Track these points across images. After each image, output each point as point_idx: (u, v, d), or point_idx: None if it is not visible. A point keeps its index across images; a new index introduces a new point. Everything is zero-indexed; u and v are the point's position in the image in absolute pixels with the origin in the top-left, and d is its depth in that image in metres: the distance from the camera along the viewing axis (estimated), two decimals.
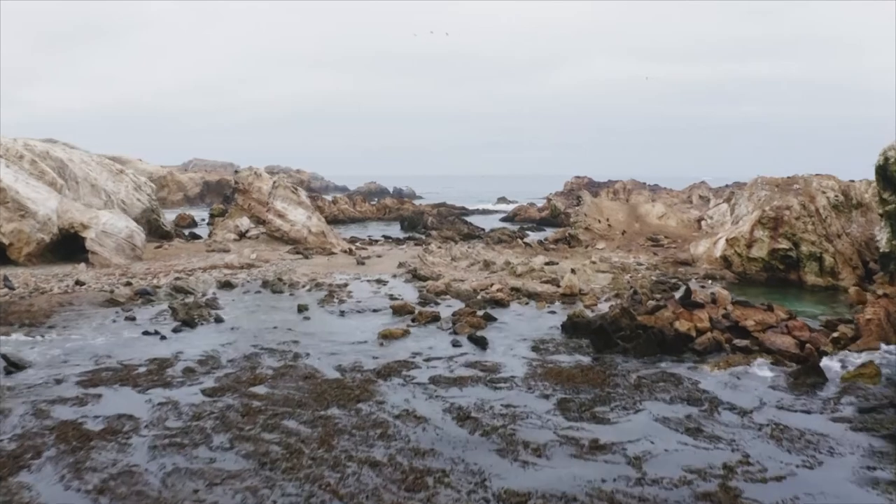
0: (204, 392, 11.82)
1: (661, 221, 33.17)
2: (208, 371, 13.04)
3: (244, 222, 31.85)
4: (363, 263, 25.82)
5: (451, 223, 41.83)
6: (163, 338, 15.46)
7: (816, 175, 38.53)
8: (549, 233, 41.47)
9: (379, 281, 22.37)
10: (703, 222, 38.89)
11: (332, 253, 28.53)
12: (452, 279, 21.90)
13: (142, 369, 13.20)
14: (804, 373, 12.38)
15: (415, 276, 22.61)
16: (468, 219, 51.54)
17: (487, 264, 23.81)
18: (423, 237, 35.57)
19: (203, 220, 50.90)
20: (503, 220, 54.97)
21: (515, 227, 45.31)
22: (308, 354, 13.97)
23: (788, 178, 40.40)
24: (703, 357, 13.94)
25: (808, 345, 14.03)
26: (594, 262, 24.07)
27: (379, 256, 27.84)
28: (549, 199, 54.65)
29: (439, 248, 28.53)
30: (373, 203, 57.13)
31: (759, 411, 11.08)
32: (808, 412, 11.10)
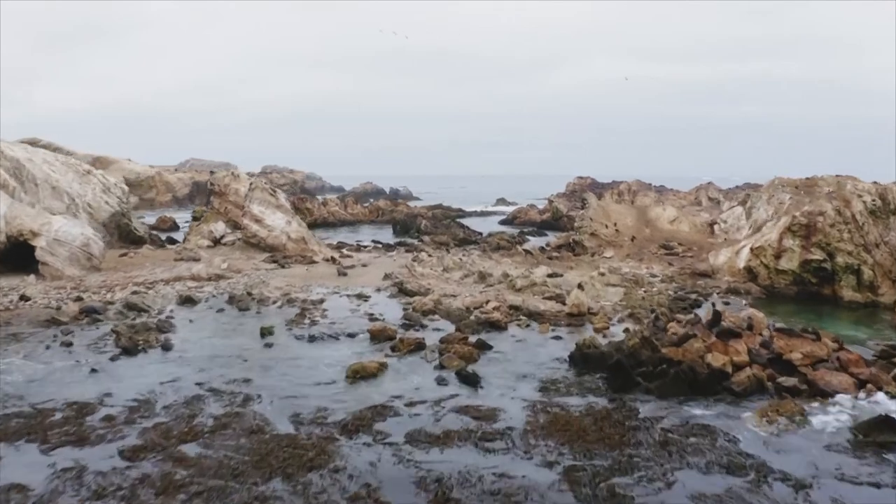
0: (122, 453, 9.40)
1: (673, 226, 30.65)
2: (135, 420, 10.61)
3: (219, 227, 29.36)
4: (345, 274, 23.35)
5: (445, 227, 39.30)
6: (93, 371, 13.02)
7: (838, 176, 36.06)
8: (551, 237, 38.97)
9: (360, 296, 19.90)
10: (716, 227, 36.42)
11: (313, 262, 26.05)
12: (443, 294, 19.44)
13: (58, 416, 10.81)
14: (873, 428, 9.90)
15: (401, 290, 20.15)
16: (465, 221, 49.05)
17: (483, 276, 21.33)
18: (416, 242, 33.08)
19: (187, 222, 48.35)
20: (502, 222, 52.43)
21: (515, 231, 42.82)
22: (260, 397, 11.51)
23: (807, 179, 37.72)
24: (740, 399, 11.50)
25: (868, 384, 11.57)
26: (603, 274, 21.58)
27: (364, 266, 25.36)
28: (550, 201, 52.06)
29: (431, 256, 26.06)
30: (365, 205, 54.53)
31: (817, 483, 8.66)
32: (877, 486, 8.69)
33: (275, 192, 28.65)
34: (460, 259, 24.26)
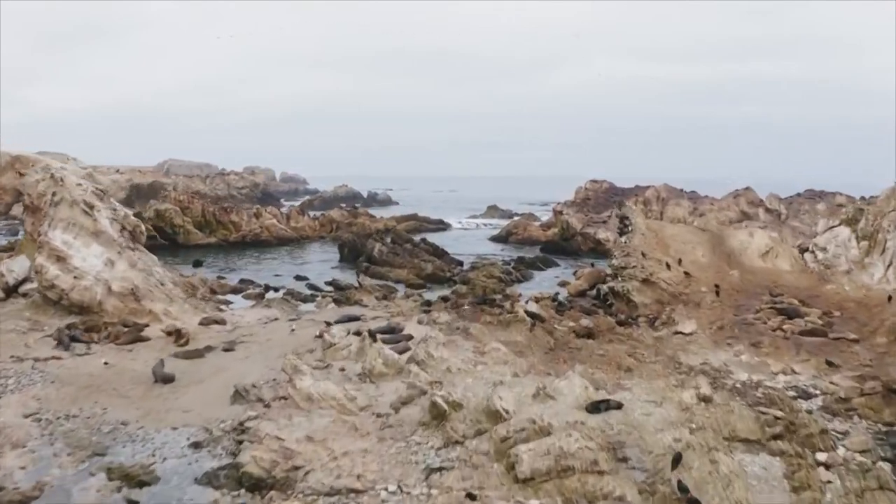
0: None
1: (766, 263, 18.90)
2: None
3: (19, 267, 17.47)
4: (170, 380, 11.52)
5: (410, 252, 27.22)
6: None
7: None
8: (565, 268, 27.18)
9: (131, 479, 8.03)
10: (807, 255, 24.68)
11: (140, 338, 14.16)
12: (329, 490, 7.62)
13: None
14: None
15: (234, 465, 8.30)
16: (444, 238, 37.30)
17: (441, 413, 9.42)
18: (354, 285, 21.06)
19: None
20: (493, 239, 40.44)
21: (511, 256, 31.01)
22: None
23: None
24: None
25: None
26: (708, 400, 9.72)
27: (228, 350, 13.45)
28: (557, 212, 40.08)
29: (355, 328, 13.96)
30: (316, 217, 42.06)
31: None
32: None
33: (92, 208, 16.53)
34: (398, 360, 11.94)
